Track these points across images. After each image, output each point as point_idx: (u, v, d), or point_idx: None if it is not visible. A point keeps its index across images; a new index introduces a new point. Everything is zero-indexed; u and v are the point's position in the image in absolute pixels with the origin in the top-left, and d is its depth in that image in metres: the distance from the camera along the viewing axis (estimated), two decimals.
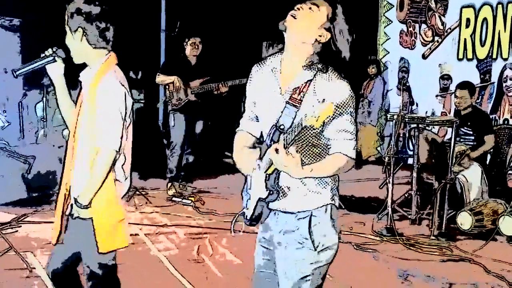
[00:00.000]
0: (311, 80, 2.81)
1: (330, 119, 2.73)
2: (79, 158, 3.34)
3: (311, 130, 2.79)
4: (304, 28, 2.81)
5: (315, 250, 2.89)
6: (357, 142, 2.86)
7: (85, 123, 3.31)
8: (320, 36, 2.82)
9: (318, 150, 2.86)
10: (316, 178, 2.87)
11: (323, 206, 2.91)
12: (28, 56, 9.21)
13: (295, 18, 2.81)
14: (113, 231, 3.37)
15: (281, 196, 2.89)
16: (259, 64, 3.05)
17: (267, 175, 2.83)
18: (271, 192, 2.85)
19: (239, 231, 3.14)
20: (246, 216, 3.00)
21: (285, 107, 2.81)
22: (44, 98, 8.87)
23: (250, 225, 3.03)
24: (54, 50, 3.43)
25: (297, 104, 2.79)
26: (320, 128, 2.77)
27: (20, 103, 9.35)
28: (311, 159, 2.86)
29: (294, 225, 2.92)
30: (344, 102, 2.76)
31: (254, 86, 3.07)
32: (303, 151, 2.84)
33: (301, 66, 2.85)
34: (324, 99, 2.73)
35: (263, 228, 3.12)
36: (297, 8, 2.81)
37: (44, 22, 9.37)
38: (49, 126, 9.14)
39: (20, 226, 6.43)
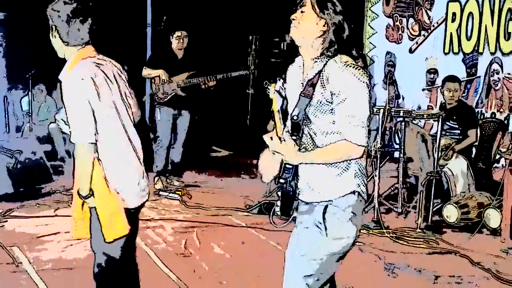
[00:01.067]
0: (321, 71, 2.88)
1: (335, 105, 2.81)
2: None
3: (322, 119, 2.87)
4: (305, 32, 2.91)
5: (327, 236, 2.92)
6: (369, 130, 2.86)
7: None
8: (322, 29, 2.90)
9: (332, 138, 2.90)
10: (338, 172, 2.92)
11: (340, 197, 2.93)
12: (12, 49, 9.18)
13: (296, 28, 2.92)
14: (113, 220, 3.42)
15: (302, 191, 3.01)
16: (292, 63, 3.15)
17: (283, 165, 2.95)
18: (284, 183, 2.95)
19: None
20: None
21: (299, 99, 2.93)
22: (30, 92, 8.82)
23: (282, 215, 3.09)
24: None
25: (309, 95, 2.89)
26: (332, 116, 2.85)
27: (5, 97, 9.30)
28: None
29: (312, 209, 2.99)
30: (349, 88, 2.79)
31: (287, 84, 3.10)
32: (317, 139, 2.92)
33: (314, 59, 2.94)
34: (331, 90, 2.82)
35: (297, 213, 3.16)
36: (293, 18, 2.93)
37: (28, 16, 9.32)
38: (35, 120, 9.10)
39: (6, 221, 6.40)
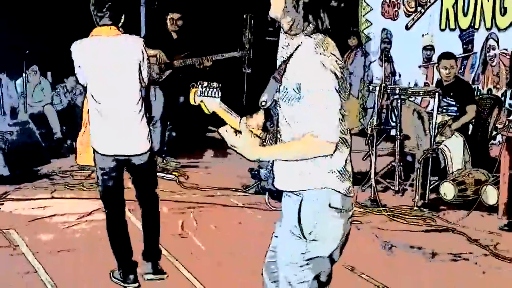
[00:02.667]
0: (292, 54, 2.63)
1: (301, 96, 2.55)
2: None
3: (291, 107, 2.61)
4: (272, 9, 2.66)
5: (305, 238, 2.65)
6: (340, 122, 2.56)
7: None
8: (283, 3, 2.61)
9: (297, 129, 2.62)
10: (306, 165, 2.61)
11: (314, 189, 2.63)
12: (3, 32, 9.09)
13: (271, 5, 2.69)
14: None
15: (275, 177, 2.75)
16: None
17: None
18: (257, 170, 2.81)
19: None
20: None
21: (269, 81, 2.69)
22: (24, 74, 8.77)
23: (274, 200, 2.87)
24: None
25: (278, 79, 2.64)
26: (300, 105, 2.57)
27: None
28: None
29: (289, 208, 2.72)
30: (314, 78, 2.50)
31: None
32: (284, 130, 2.68)
33: (291, 37, 2.67)
34: (297, 78, 2.56)
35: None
36: None
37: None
38: (30, 102, 9.05)
39: (3, 204, 6.39)
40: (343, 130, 2.62)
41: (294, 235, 2.67)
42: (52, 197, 6.68)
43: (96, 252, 5.05)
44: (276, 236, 2.87)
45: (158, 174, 7.56)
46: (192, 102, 2.74)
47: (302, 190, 2.65)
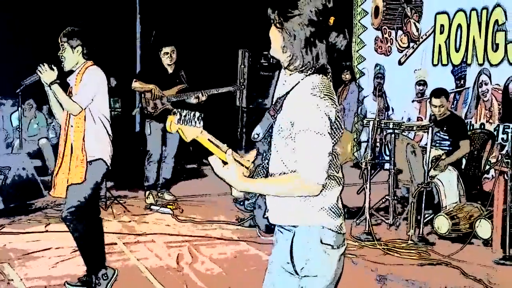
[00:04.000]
0: (288, 92, 2.64)
1: (294, 135, 2.55)
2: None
3: (283, 144, 2.62)
4: (273, 48, 2.68)
5: (297, 275, 2.63)
6: (332, 162, 2.58)
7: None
8: (282, 43, 2.62)
9: (288, 166, 2.63)
10: (298, 201, 2.60)
11: (306, 226, 2.63)
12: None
13: (271, 44, 2.71)
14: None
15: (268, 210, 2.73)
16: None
17: None
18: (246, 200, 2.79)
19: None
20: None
21: (264, 116, 2.71)
22: (20, 108, 8.80)
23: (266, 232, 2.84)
24: (50, 66, 4.58)
25: (273, 115, 2.66)
26: (292, 143, 2.58)
27: None
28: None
29: (281, 244, 2.71)
30: (309, 119, 2.50)
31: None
32: (274, 164, 2.68)
33: (291, 74, 2.68)
34: (291, 117, 2.56)
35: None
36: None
37: (17, 30, 9.35)
38: (25, 136, 9.07)
39: None
40: (335, 168, 2.64)
41: (286, 271, 2.66)
42: (47, 231, 6.67)
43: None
44: (269, 273, 2.83)
45: (153, 207, 7.67)
46: (168, 129, 2.72)
47: (294, 226, 2.65)
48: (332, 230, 2.64)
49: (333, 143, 2.56)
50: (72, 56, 4.69)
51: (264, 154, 2.72)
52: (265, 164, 2.72)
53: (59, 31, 4.79)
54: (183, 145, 8.33)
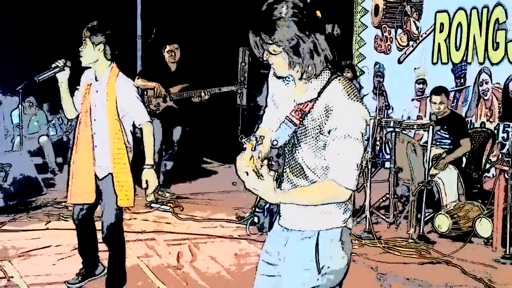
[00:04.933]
0: (316, 99, 2.58)
1: (329, 140, 2.53)
2: (100, 138, 4.58)
3: (311, 151, 2.61)
4: (279, 69, 2.63)
5: (319, 273, 2.68)
6: (359, 172, 2.58)
7: (104, 111, 4.52)
8: (286, 59, 2.57)
9: (315, 172, 2.64)
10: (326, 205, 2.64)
11: (332, 228, 2.68)
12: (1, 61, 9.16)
13: (275, 68, 2.67)
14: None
15: (283, 216, 2.76)
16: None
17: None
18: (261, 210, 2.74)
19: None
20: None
21: (283, 121, 2.65)
22: (20, 105, 8.80)
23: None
24: (65, 62, 4.56)
25: (295, 123, 2.61)
26: (323, 151, 2.57)
27: None
28: (305, 181, 2.67)
29: (299, 244, 2.72)
30: (349, 125, 2.50)
31: (276, 93, 2.83)
32: (297, 171, 2.67)
33: (304, 80, 2.63)
34: (330, 124, 2.52)
35: (268, 241, 2.90)
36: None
37: (19, 28, 9.34)
38: (25, 133, 9.07)
39: None
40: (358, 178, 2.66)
41: (309, 269, 2.69)
42: (47, 228, 6.67)
43: (90, 283, 5.03)
44: (263, 274, 2.86)
45: (153, 205, 7.67)
46: (246, 156, 2.47)
47: (322, 230, 2.69)
48: (348, 228, 2.74)
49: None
50: (92, 52, 4.53)
51: (278, 160, 2.70)
52: (280, 170, 2.70)
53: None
54: (184, 143, 8.34)
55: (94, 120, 4.57)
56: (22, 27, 9.39)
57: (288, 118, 2.63)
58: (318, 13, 2.55)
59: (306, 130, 2.60)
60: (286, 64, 2.58)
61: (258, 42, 2.56)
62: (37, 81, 4.63)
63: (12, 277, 5.17)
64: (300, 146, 2.63)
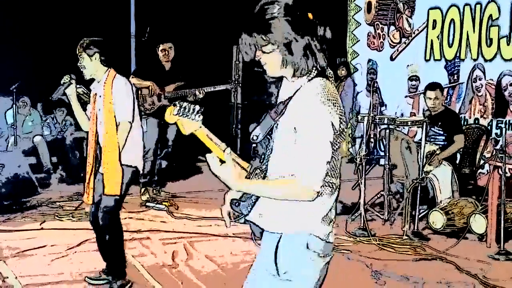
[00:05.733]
0: (291, 97, 2.61)
1: (297, 138, 2.53)
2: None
3: (282, 148, 2.61)
4: (271, 68, 2.64)
5: (279, 276, 2.62)
6: (332, 170, 2.56)
7: (105, 113, 4.82)
8: (278, 57, 2.58)
9: (287, 169, 2.59)
10: (289, 205, 2.59)
11: (295, 233, 2.61)
12: None
13: (266, 68, 2.67)
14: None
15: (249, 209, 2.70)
16: None
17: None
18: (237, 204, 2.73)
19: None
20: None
21: (264, 116, 2.68)
22: (14, 105, 8.79)
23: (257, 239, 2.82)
24: (69, 76, 4.84)
25: (274, 118, 2.64)
26: (290, 146, 2.56)
27: None
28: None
29: (267, 245, 2.70)
30: (313, 126, 2.49)
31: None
32: (273, 166, 2.66)
33: (292, 78, 2.65)
34: (295, 122, 2.54)
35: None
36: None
37: (13, 28, 9.32)
38: (19, 133, 9.05)
39: None
40: (335, 174, 2.62)
41: (268, 272, 2.65)
42: (42, 228, 6.66)
43: (85, 283, 5.04)
44: (252, 268, 2.83)
45: (148, 204, 7.67)
46: (166, 119, 2.73)
47: (279, 234, 2.64)
48: (320, 238, 2.63)
49: (335, 149, 2.56)
50: (90, 64, 4.87)
51: (262, 156, 2.70)
52: (263, 166, 2.70)
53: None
54: (179, 142, 8.34)
55: (100, 123, 4.89)
56: (16, 28, 9.36)
57: (268, 113, 2.67)
58: (310, 15, 2.57)
59: (279, 127, 2.63)
60: (279, 62, 2.58)
61: (251, 42, 2.57)
62: (53, 100, 5.01)
63: (7, 277, 5.16)
64: (274, 142, 2.65)
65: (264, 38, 2.54)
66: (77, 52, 4.87)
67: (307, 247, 2.61)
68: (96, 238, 5.12)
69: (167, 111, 2.74)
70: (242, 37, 2.59)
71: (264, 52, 2.59)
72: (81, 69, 4.91)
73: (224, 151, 2.61)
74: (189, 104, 2.72)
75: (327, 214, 2.65)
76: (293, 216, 2.61)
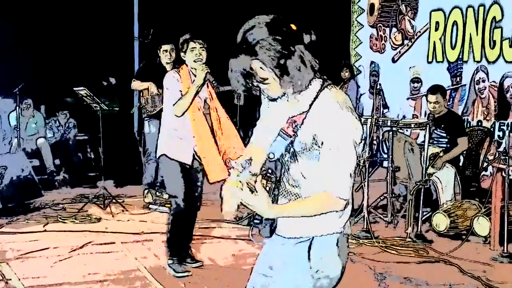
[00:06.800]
0: (308, 111, 2.58)
1: (322, 151, 2.54)
2: None
3: (305, 164, 2.62)
4: (271, 91, 2.61)
5: (312, 277, 2.67)
6: (353, 181, 2.56)
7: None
8: (274, 77, 2.53)
9: (311, 183, 2.63)
10: None
11: (327, 234, 2.67)
12: None
13: (267, 90, 2.63)
14: None
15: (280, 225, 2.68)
16: None
17: None
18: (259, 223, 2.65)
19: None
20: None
21: (278, 134, 2.64)
22: (17, 107, 8.80)
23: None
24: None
25: (289, 135, 2.61)
26: (313, 160, 2.57)
27: None
28: (301, 191, 2.68)
29: (293, 250, 2.70)
30: (337, 135, 2.49)
31: (268, 104, 2.81)
32: (293, 182, 2.68)
33: (296, 93, 2.60)
34: (320, 135, 2.52)
35: (263, 251, 2.88)
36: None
37: (16, 30, 9.34)
38: (23, 135, 9.07)
39: None
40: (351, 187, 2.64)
41: (301, 273, 2.68)
42: (45, 230, 6.67)
43: (88, 285, 5.04)
44: (263, 274, 2.79)
45: (151, 206, 7.67)
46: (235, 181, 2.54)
47: (317, 236, 2.67)
48: (344, 233, 2.72)
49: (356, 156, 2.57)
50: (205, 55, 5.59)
51: (274, 171, 2.68)
52: (275, 181, 2.68)
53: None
54: None
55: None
56: (19, 29, 9.38)
57: (282, 131, 2.63)
58: (293, 26, 2.52)
59: (300, 142, 2.59)
60: (278, 85, 2.55)
61: (244, 73, 2.55)
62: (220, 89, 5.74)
63: (10, 279, 5.17)
64: (295, 157, 2.64)
65: (252, 60, 2.51)
66: (197, 46, 5.46)
67: (337, 244, 2.68)
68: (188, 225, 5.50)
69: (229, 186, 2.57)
70: (231, 66, 2.59)
71: (260, 80, 2.55)
72: (198, 61, 5.38)
73: (255, 181, 2.52)
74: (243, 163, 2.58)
75: (349, 211, 2.71)
76: (327, 219, 2.63)
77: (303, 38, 2.51)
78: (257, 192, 2.48)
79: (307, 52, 2.51)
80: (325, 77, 2.63)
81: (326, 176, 2.53)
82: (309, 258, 2.66)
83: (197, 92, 5.23)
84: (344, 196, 2.54)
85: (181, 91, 5.25)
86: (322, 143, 2.53)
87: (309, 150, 2.58)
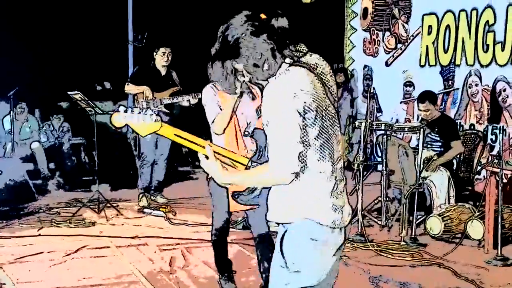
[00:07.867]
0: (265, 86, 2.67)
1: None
2: None
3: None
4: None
5: (288, 268, 2.63)
6: (298, 152, 2.52)
7: None
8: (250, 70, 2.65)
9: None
10: (284, 193, 2.62)
11: (296, 221, 2.61)
12: None
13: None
14: None
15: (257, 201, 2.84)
16: None
17: None
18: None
19: None
20: None
21: (256, 110, 2.86)
22: (12, 111, 8.78)
23: None
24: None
25: (258, 111, 2.84)
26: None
27: None
28: None
29: (277, 238, 2.73)
30: (270, 108, 2.55)
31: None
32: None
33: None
34: (264, 117, 2.62)
35: None
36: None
37: (10, 34, 9.33)
38: (17, 139, 9.06)
39: None
40: (325, 158, 2.61)
41: (279, 265, 2.67)
42: (39, 235, 6.66)
43: None
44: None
45: (146, 210, 7.67)
46: (114, 123, 2.85)
47: (287, 223, 2.64)
48: (323, 225, 2.60)
49: (315, 129, 2.56)
50: None
51: (260, 150, 2.81)
52: (257, 157, 2.81)
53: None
54: (176, 148, 8.34)
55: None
56: (14, 34, 9.37)
57: (258, 108, 2.85)
58: (263, 15, 2.60)
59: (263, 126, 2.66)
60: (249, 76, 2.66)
61: (228, 70, 2.67)
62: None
63: (4, 284, 5.16)
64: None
65: (239, 61, 2.62)
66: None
67: (311, 236, 2.60)
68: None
69: (112, 118, 2.82)
70: (216, 68, 2.72)
71: (243, 74, 2.67)
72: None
73: (204, 147, 2.75)
74: (139, 108, 2.88)
75: (330, 200, 2.62)
76: (295, 205, 2.61)
77: (271, 26, 2.59)
78: (212, 159, 2.70)
79: (275, 38, 2.58)
80: (295, 58, 2.64)
81: (270, 150, 2.56)
82: (281, 248, 2.67)
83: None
84: (284, 167, 2.51)
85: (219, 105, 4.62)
86: (268, 122, 2.57)
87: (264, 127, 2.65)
